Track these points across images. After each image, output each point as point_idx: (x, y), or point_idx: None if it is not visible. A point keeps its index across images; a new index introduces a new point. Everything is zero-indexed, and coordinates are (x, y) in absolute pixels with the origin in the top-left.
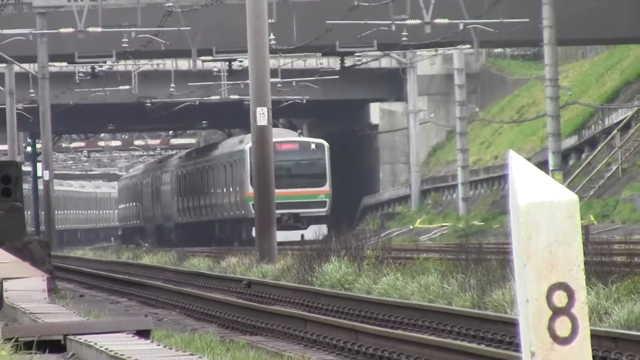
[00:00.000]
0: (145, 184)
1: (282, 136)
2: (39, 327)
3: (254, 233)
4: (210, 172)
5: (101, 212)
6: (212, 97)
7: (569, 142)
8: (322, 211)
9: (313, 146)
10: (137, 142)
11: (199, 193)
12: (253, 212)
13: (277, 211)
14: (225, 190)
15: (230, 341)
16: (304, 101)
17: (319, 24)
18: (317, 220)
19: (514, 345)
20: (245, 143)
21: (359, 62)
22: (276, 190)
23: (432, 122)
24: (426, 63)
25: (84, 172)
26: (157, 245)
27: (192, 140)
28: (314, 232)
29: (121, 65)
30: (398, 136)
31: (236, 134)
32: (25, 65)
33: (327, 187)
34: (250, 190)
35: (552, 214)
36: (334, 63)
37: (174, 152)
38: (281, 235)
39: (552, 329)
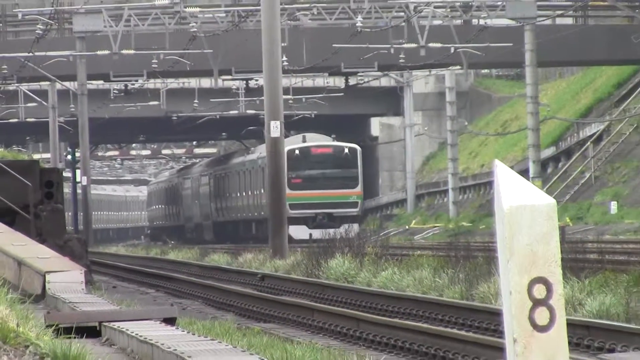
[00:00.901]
0: (183, 187)
1: (317, 141)
2: (77, 314)
3: (290, 230)
4: (246, 175)
5: (131, 213)
6: (231, 112)
7: (548, 152)
8: (354, 211)
9: (346, 150)
10: (164, 152)
11: (235, 194)
12: (290, 211)
13: (313, 211)
14: (258, 192)
15: (246, 328)
16: (313, 115)
17: (326, 47)
18: (350, 219)
19: (498, 332)
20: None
21: (362, 81)
22: (311, 192)
23: (426, 134)
24: (421, 82)
25: (117, 178)
26: (184, 243)
27: (214, 150)
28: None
29: (151, 84)
30: (396, 147)
31: (252, 144)
32: (66, 83)
33: (359, 189)
34: (289, 191)
35: (533, 216)
36: (339, 82)
37: (197, 160)
38: (317, 233)
39: (533, 318)
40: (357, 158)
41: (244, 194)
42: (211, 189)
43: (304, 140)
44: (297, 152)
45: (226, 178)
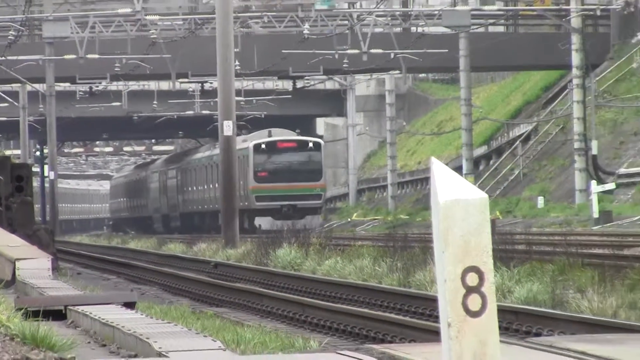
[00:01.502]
0: (151, 180)
1: (282, 135)
2: (45, 299)
3: (256, 221)
4: (202, 170)
5: (93, 205)
6: (187, 112)
7: (480, 151)
8: (318, 203)
9: (310, 144)
10: (126, 148)
11: (203, 186)
12: (256, 203)
13: (277, 203)
14: (212, 186)
15: (200, 312)
16: (263, 116)
17: (276, 53)
18: (312, 211)
19: (434, 317)
20: (250, 141)
21: (308, 84)
22: (277, 184)
23: (367, 133)
24: (363, 85)
25: (81, 173)
26: (144, 233)
27: (171, 147)
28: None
29: (114, 86)
30: (339, 145)
31: (206, 142)
32: (36, 85)
33: (322, 182)
34: (254, 183)
35: (466, 210)
36: (287, 85)
37: (156, 156)
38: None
39: (466, 304)
40: (321, 152)
41: (199, 188)
42: (169, 184)
43: (270, 135)
44: (263, 146)
45: (184, 173)
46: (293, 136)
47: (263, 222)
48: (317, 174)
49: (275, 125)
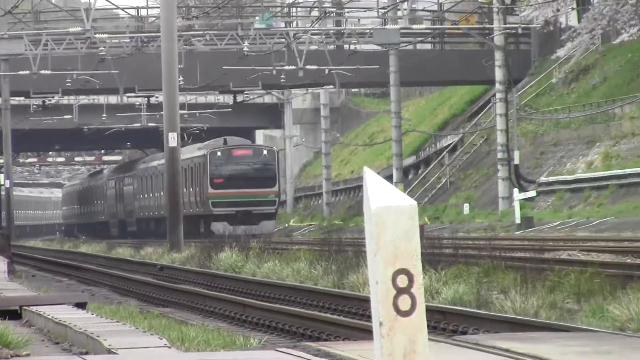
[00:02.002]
0: (106, 187)
1: (238, 143)
2: (0, 299)
3: (212, 227)
4: (148, 179)
5: (45, 212)
6: (135, 125)
7: (409, 160)
8: (272, 209)
9: (265, 152)
10: (77, 159)
11: (160, 192)
12: (213, 209)
13: (233, 209)
14: (188, 190)
15: (147, 312)
16: (205, 128)
17: (217, 69)
18: (267, 217)
19: (366, 317)
20: (206, 149)
21: (247, 98)
22: (232, 190)
23: (303, 144)
24: (299, 99)
25: (35, 182)
26: (94, 238)
27: (119, 157)
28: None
29: (65, 100)
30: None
31: (152, 152)
32: None
33: (276, 188)
34: (211, 190)
35: (397, 216)
36: (228, 99)
37: (105, 166)
38: (241, 230)
39: (396, 304)
40: (275, 159)
41: (155, 194)
42: (126, 190)
43: (225, 143)
44: (219, 153)
45: (140, 180)
46: (248, 144)
47: (219, 228)
48: (272, 181)
49: (218, 137)
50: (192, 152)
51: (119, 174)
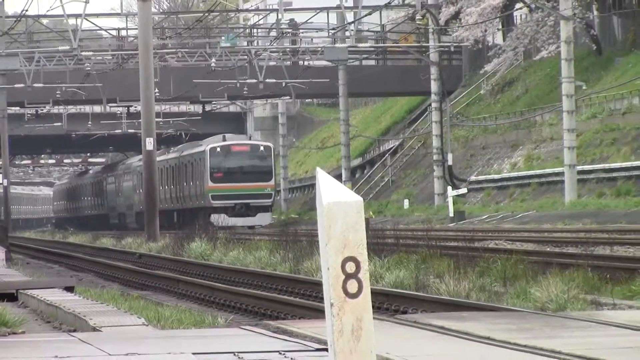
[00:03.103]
0: (80, 187)
1: (236, 139)
2: None
3: (212, 219)
4: (177, 169)
5: (37, 207)
6: (116, 131)
7: (356, 162)
8: (268, 202)
9: (262, 148)
10: (66, 160)
11: (162, 187)
12: (212, 201)
13: (231, 201)
14: (187, 184)
15: (128, 294)
16: (178, 133)
17: (188, 82)
18: (263, 209)
19: (319, 298)
20: (205, 145)
21: (215, 108)
22: (230, 184)
23: None
24: (260, 109)
25: (30, 181)
26: (81, 230)
27: (103, 160)
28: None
29: (55, 109)
30: None
31: (132, 155)
32: None
33: (272, 182)
34: (210, 184)
35: (345, 210)
36: (198, 108)
37: (90, 167)
38: (239, 221)
39: (345, 287)
40: (271, 155)
41: (124, 193)
42: (125, 186)
43: (224, 139)
44: (218, 149)
45: (113, 180)
46: (246, 140)
47: (218, 220)
48: (268, 175)
49: (187, 141)
50: (192, 148)
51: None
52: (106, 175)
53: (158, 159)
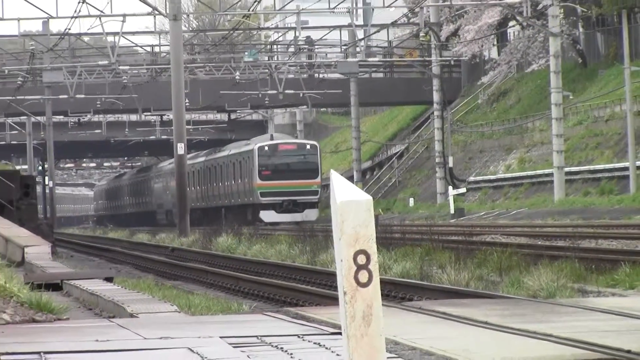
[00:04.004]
0: (119, 188)
1: (284, 139)
2: (46, 275)
3: (260, 215)
4: (226, 168)
5: (77, 206)
6: (151, 137)
7: (366, 164)
8: (315, 198)
9: (308, 147)
10: (105, 164)
11: (210, 184)
12: (261, 198)
13: (279, 198)
14: (236, 181)
15: (161, 284)
16: (206, 140)
17: (215, 93)
18: (310, 205)
19: (334, 287)
20: (254, 144)
21: (239, 116)
22: (279, 182)
23: None
24: (280, 117)
25: (73, 182)
26: (119, 226)
27: (139, 163)
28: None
29: (96, 118)
30: None
31: (164, 159)
32: (38, 117)
33: (318, 179)
34: (259, 181)
35: (357, 208)
36: (224, 116)
37: (126, 170)
38: (287, 217)
39: (357, 278)
40: (317, 153)
41: (239, 180)
42: (140, 189)
43: (272, 139)
44: (266, 148)
45: (148, 181)
46: (293, 139)
47: (267, 216)
48: (315, 172)
49: (214, 146)
50: (240, 147)
51: (135, 176)
52: (141, 176)
53: (204, 159)
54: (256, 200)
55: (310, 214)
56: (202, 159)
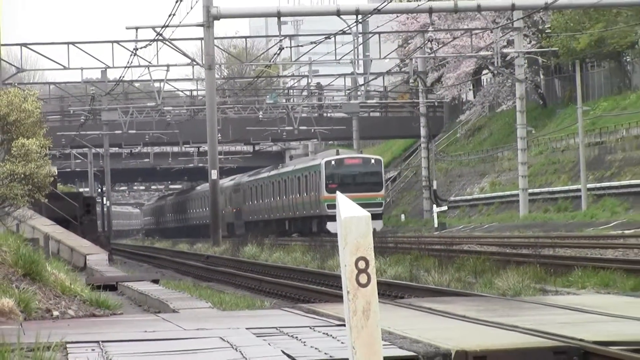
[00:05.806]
0: (163, 207)
1: (349, 154)
2: (104, 278)
3: (327, 226)
4: (290, 182)
5: (129, 221)
6: (189, 165)
7: None
8: (379, 210)
9: (373, 161)
10: (152, 187)
11: (274, 198)
12: (328, 210)
13: None
14: (301, 194)
15: (198, 285)
16: (235, 167)
17: (242, 128)
18: (375, 217)
19: (339, 287)
20: (321, 159)
21: (262, 148)
22: (345, 194)
23: None
24: (295, 148)
25: (125, 202)
26: (164, 237)
27: (180, 186)
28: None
29: (145, 149)
30: None
31: (200, 183)
32: (98, 149)
33: (382, 192)
34: (326, 194)
35: (358, 222)
36: (249, 148)
37: (170, 192)
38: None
39: (358, 279)
40: (381, 167)
41: (305, 194)
42: (180, 208)
43: (338, 153)
44: (333, 162)
45: (187, 201)
46: (358, 154)
47: (334, 227)
48: (379, 186)
49: (242, 172)
50: (306, 162)
51: (177, 197)
52: (181, 197)
53: (267, 174)
54: (323, 212)
55: (376, 225)
56: (265, 174)
